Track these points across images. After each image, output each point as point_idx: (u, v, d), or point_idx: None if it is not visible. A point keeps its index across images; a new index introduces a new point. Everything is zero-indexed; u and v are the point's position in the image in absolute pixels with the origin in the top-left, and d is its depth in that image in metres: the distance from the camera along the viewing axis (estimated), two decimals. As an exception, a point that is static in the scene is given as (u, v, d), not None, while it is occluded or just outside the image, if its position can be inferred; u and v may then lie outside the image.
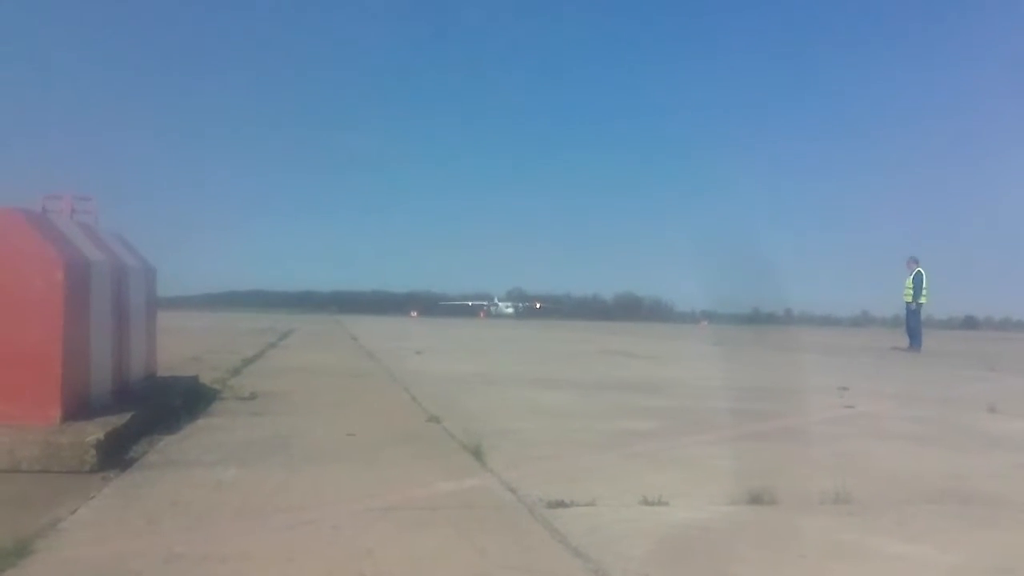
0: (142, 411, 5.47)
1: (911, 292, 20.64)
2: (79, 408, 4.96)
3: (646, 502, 3.89)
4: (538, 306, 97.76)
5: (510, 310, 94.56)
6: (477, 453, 4.97)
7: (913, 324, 20.91)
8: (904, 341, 21.18)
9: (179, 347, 12.24)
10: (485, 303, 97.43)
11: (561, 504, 3.80)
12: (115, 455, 4.56)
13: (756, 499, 3.98)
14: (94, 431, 4.50)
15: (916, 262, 20.82)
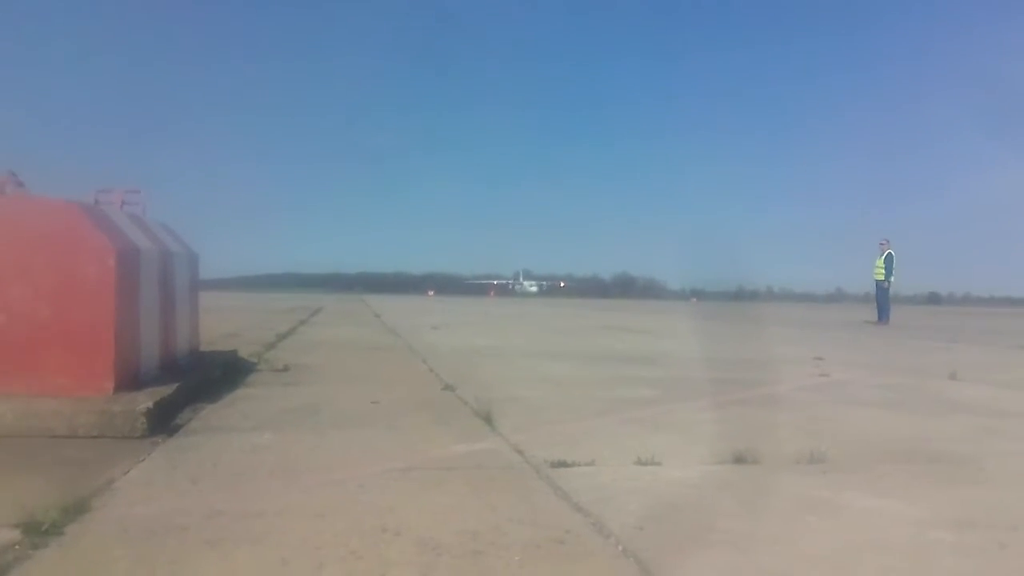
0: (186, 382, 5.49)
1: (882, 271, 20.62)
2: (130, 380, 4.98)
3: (641, 462, 3.90)
4: (562, 285, 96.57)
5: (534, 289, 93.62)
6: (488, 418, 4.99)
7: (882, 300, 20.93)
8: (874, 315, 21.16)
9: (219, 324, 12.28)
10: (510, 282, 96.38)
11: (563, 464, 3.81)
12: (163, 422, 4.59)
13: (740, 459, 3.99)
14: (144, 401, 4.52)
15: (887, 243, 20.79)
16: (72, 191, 5.46)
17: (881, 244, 20.89)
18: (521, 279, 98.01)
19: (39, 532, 2.67)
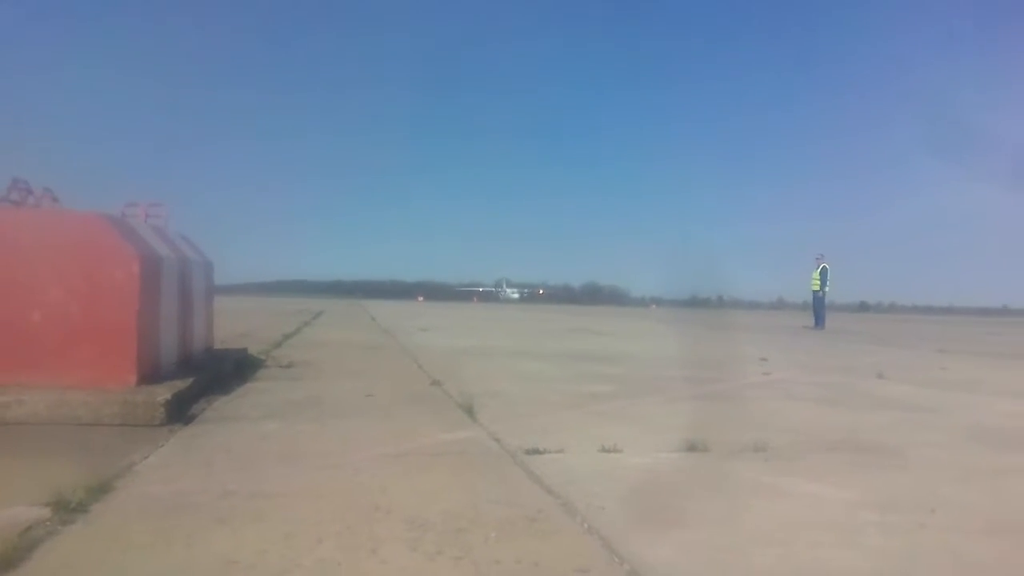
0: (202, 377, 5.46)
1: (818, 282, 20.79)
2: (151, 374, 4.95)
3: (604, 450, 3.91)
4: (541, 292, 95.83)
5: (516, 295, 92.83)
6: (469, 411, 4.98)
7: (818, 308, 21.07)
8: (811, 322, 21.31)
9: (232, 325, 12.19)
10: (493, 289, 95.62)
11: (536, 451, 3.82)
12: (180, 412, 4.56)
13: (692, 448, 4.01)
14: (163, 393, 4.49)
15: (823, 258, 20.99)
16: (101, 205, 5.43)
17: (817, 259, 21.07)
18: (504, 287, 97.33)
19: (67, 509, 2.65)
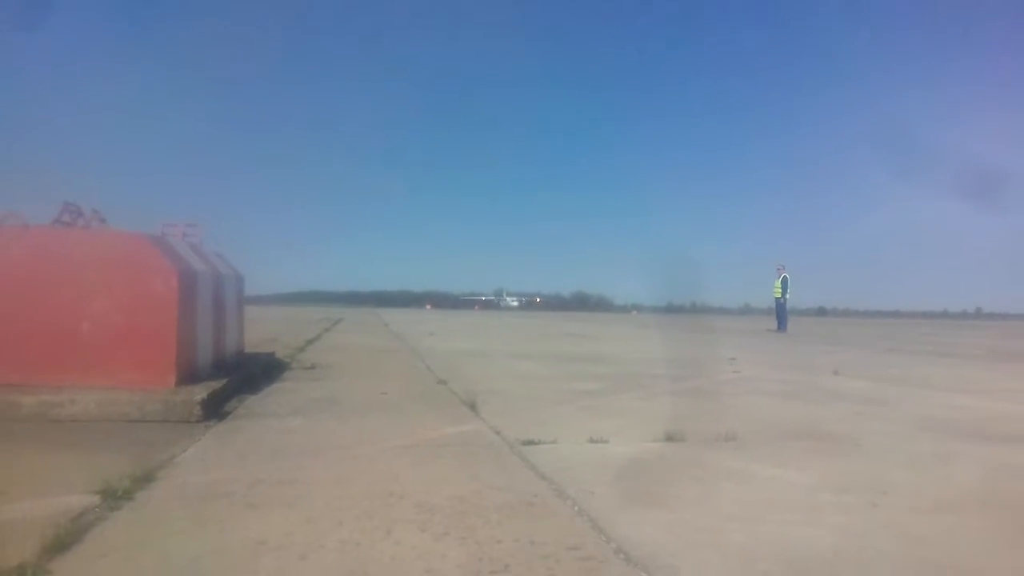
0: (234, 378, 5.45)
1: (779, 290, 20.82)
2: (189, 375, 4.94)
3: (592, 440, 3.91)
4: (538, 300, 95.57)
5: (515, 303, 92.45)
6: (472, 406, 4.97)
7: (781, 313, 21.09)
8: (775, 325, 21.33)
9: (260, 332, 12.16)
10: (495, 298, 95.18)
11: (532, 442, 3.81)
12: (215, 409, 4.55)
13: (670, 438, 4.01)
14: (200, 392, 4.48)
15: (783, 268, 21.02)
16: (143, 225, 5.43)
17: (778, 269, 21.09)
18: (505, 295, 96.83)
19: (115, 497, 2.65)
